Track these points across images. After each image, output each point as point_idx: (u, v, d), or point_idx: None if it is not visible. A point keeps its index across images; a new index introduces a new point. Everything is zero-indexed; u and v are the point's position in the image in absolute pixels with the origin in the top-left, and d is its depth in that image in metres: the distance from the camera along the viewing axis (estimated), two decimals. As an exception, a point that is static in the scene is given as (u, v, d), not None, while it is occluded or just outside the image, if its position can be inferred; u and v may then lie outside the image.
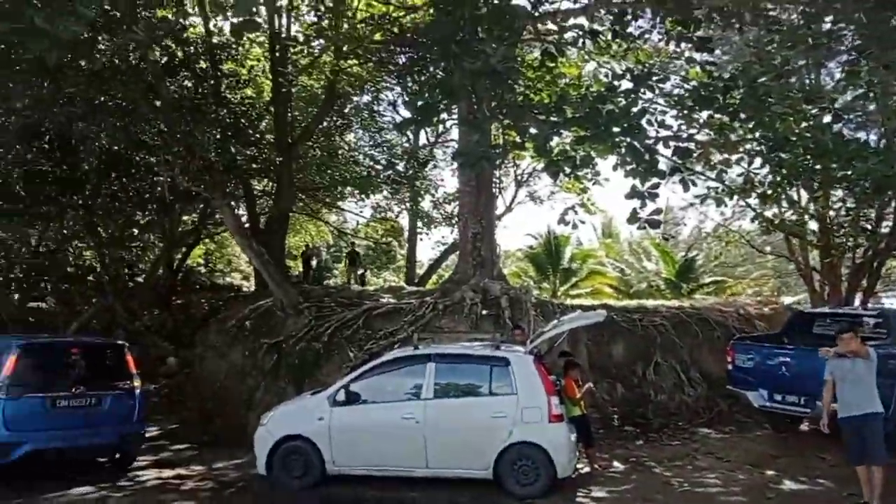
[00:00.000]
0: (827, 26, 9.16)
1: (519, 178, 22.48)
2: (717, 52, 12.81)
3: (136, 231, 15.69)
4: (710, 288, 23.66)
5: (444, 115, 12.22)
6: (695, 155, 10.26)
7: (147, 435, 10.73)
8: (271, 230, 16.53)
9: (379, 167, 21.31)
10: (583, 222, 11.30)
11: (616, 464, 8.20)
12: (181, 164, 9.61)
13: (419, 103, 7.17)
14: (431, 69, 10.49)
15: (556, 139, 11.21)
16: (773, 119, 7.85)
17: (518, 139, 8.16)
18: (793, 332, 9.75)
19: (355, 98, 18.92)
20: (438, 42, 7.40)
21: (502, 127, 12.36)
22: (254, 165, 17.54)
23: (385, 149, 21.57)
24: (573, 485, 7.13)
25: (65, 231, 15.56)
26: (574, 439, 7.30)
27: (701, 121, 8.73)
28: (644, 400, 10.65)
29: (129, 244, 15.80)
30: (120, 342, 9.07)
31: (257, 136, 16.16)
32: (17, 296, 22.48)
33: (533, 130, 7.99)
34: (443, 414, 6.98)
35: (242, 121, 14.96)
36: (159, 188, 13.63)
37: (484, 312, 10.49)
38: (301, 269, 24.71)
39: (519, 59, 12.32)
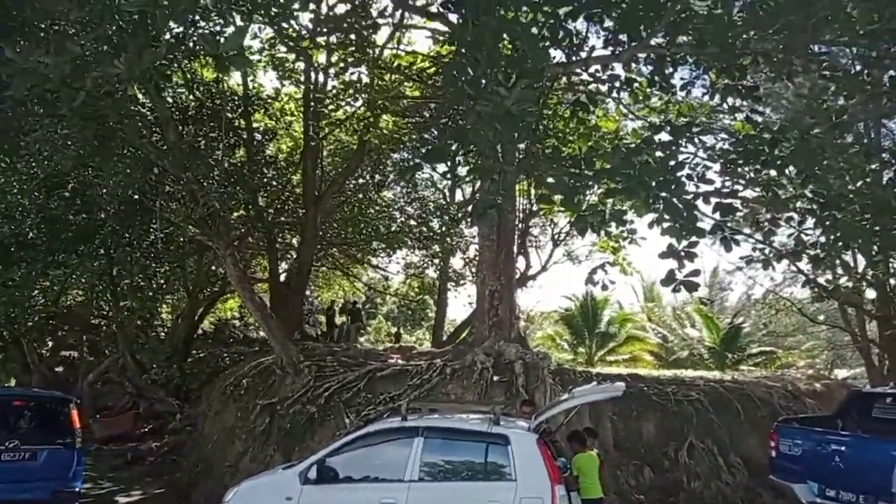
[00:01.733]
0: (890, 73, 8.30)
1: (556, 236, 21.54)
2: (766, 110, 12.06)
3: (152, 282, 15.45)
4: (757, 359, 21.97)
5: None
6: (739, 213, 9.44)
7: (127, 500, 10.10)
8: (290, 284, 16.15)
9: (412, 223, 21.06)
10: (612, 282, 10.38)
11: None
12: (184, 210, 9.24)
13: (427, 148, 6.60)
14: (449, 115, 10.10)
15: (586, 193, 10.65)
16: (827, 174, 6.98)
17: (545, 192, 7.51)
18: (848, 415, 8.43)
19: (394, 154, 18.72)
20: (452, 82, 6.98)
21: (529, 178, 11.81)
22: (282, 218, 17.56)
23: (419, 205, 21.30)
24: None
25: (83, 280, 15.47)
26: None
27: (746, 176, 7.94)
28: (676, 486, 9.36)
29: (142, 294, 15.54)
30: (66, 397, 8.77)
31: (283, 188, 16.09)
32: (50, 343, 22.67)
33: (550, 180, 7.35)
34: (427, 500, 6.02)
35: (269, 173, 14.90)
36: (179, 238, 13.42)
37: (495, 378, 9.55)
38: (325, 326, 24.27)
39: (548, 109, 11.86)
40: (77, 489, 8.23)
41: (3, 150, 9.95)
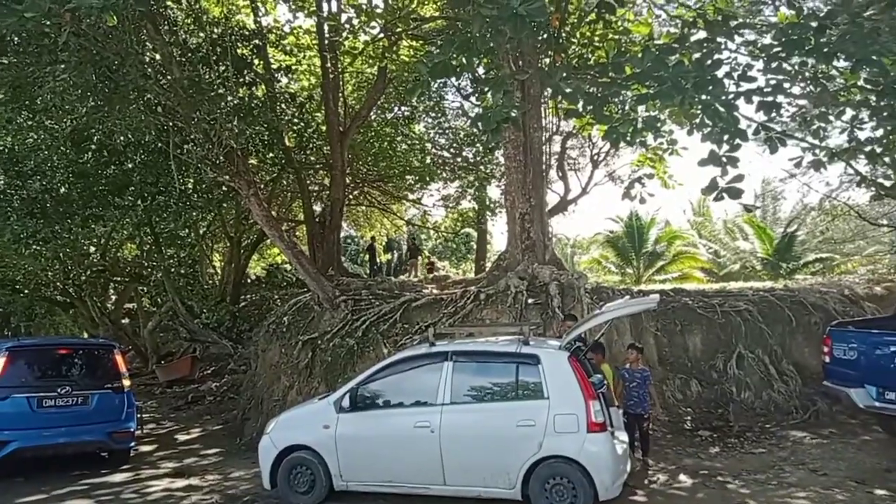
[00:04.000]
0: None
1: (595, 157, 20.61)
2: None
3: (190, 230, 15.70)
4: (814, 267, 21.06)
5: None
6: (786, 112, 8.68)
7: (186, 437, 10.57)
8: (324, 223, 16.17)
9: (445, 154, 20.61)
10: (651, 195, 9.96)
11: (682, 477, 6.85)
12: (200, 152, 9.13)
13: (433, 62, 6.13)
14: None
15: (617, 101, 9.95)
16: (883, 59, 6.23)
17: (569, 104, 6.97)
18: (910, 316, 7.92)
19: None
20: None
21: (553, 89, 11.13)
22: (311, 158, 17.43)
23: (451, 135, 20.76)
24: (621, 506, 5.92)
25: (126, 233, 15.86)
26: (624, 451, 6.11)
27: (792, 71, 7.19)
28: (724, 398, 9.10)
29: (182, 242, 15.85)
30: (110, 343, 9.08)
31: (308, 125, 15.86)
32: (114, 297, 23.72)
33: (569, 90, 6.81)
34: (460, 422, 5.97)
35: (289, 110, 14.63)
36: (208, 183, 13.45)
37: (530, 301, 9.33)
38: (368, 261, 24.51)
39: (571, 13, 11.04)
40: (132, 429, 8.58)
41: (25, 106, 10.00)
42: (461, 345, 6.51)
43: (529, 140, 10.67)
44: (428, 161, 19.40)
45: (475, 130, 17.21)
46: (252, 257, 20.73)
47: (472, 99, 18.68)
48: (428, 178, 19.15)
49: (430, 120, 20.93)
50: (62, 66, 8.74)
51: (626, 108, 9.91)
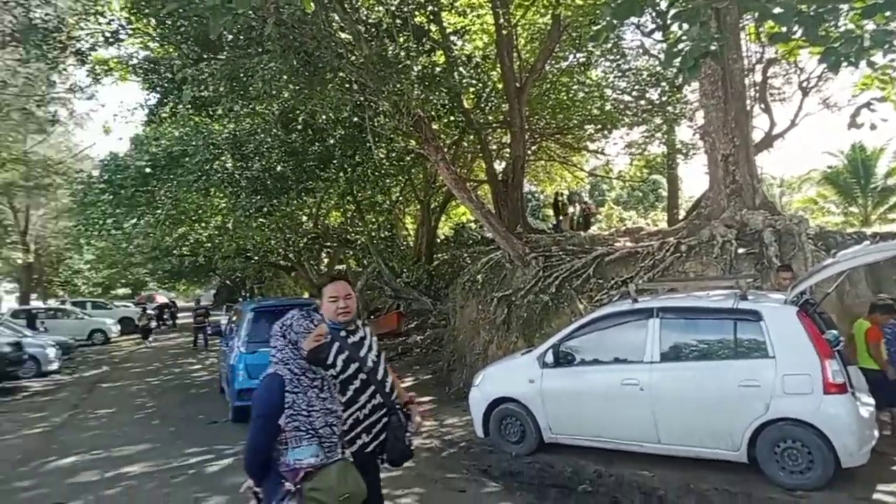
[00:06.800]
0: None
1: (804, 84, 17.93)
2: None
3: (386, 196, 16.80)
4: None
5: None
6: None
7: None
8: (507, 181, 16.28)
9: (627, 98, 19.50)
10: (884, 120, 8.49)
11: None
12: (392, 123, 9.63)
13: (617, 2, 5.72)
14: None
15: (835, 18, 8.52)
16: None
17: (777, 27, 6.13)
18: None
19: (595, 27, 17.22)
20: None
21: (758, 12, 9.82)
22: (489, 118, 17.59)
23: (632, 77, 19.53)
24: (868, 474, 5.28)
25: (332, 203, 17.48)
26: (871, 414, 5.43)
27: None
28: None
29: (380, 208, 17.02)
30: (314, 301, 9.95)
31: (485, 85, 15.95)
32: (326, 260, 26.59)
33: (777, 10, 5.94)
34: (673, 381, 5.72)
35: (466, 73, 14.80)
36: (394, 153, 14.25)
37: (741, 251, 8.54)
38: (554, 217, 24.27)
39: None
40: None
41: (240, 95, 11.31)
42: (668, 300, 6.19)
43: (729, 73, 9.61)
44: (608, 107, 18.51)
45: (664, 71, 15.94)
46: (441, 218, 21.69)
47: (655, 36, 17.26)
48: (610, 126, 18.26)
49: (607, 64, 19.81)
50: (267, 55, 9.70)
51: (847, 24, 8.46)
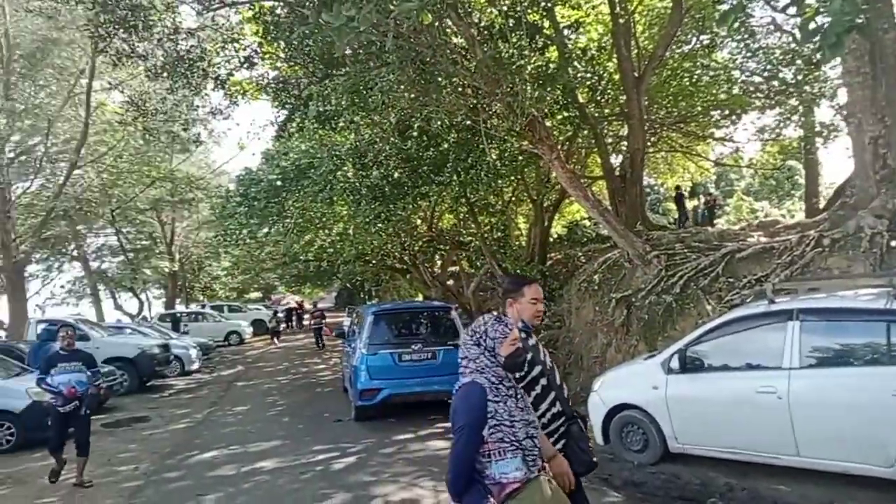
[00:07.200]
0: None
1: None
2: None
3: (498, 197, 16.82)
4: None
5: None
6: None
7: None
8: (625, 176, 15.72)
9: (757, 80, 18.14)
10: None
11: None
12: (506, 124, 9.63)
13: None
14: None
15: None
16: None
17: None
18: None
19: (719, 6, 16.26)
20: None
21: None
22: (605, 111, 17.08)
23: (762, 56, 18.13)
24: None
25: (446, 206, 17.79)
26: None
27: None
28: None
29: (493, 209, 17.06)
30: (447, 305, 10.09)
31: (600, 78, 15.51)
32: (439, 262, 27.25)
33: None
34: (816, 389, 5.25)
35: (581, 66, 14.50)
36: (507, 154, 14.22)
37: (893, 245, 7.65)
38: (677, 211, 23.19)
39: None
40: None
41: (360, 107, 11.82)
42: (809, 301, 5.68)
43: (879, 46, 8.63)
44: (736, 91, 17.31)
45: (800, 48, 14.65)
46: (554, 217, 21.36)
47: (789, 11, 15.86)
48: (739, 111, 17.07)
49: (734, 44, 18.48)
50: (386, 67, 10.07)
51: None
